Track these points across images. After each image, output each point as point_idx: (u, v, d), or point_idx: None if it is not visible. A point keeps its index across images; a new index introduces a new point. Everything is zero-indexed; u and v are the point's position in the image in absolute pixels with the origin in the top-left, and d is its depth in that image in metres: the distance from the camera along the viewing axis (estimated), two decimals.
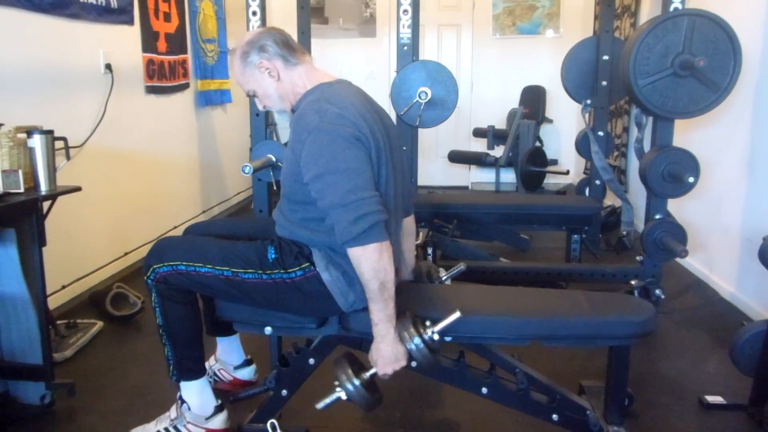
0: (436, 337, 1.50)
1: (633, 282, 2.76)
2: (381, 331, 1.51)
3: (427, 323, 1.52)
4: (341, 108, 1.54)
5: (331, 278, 1.60)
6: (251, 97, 1.75)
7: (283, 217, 1.70)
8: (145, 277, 1.70)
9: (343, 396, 1.53)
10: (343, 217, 1.48)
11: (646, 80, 2.46)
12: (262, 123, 2.81)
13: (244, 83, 1.71)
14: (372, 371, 1.55)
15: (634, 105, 2.84)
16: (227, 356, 2.12)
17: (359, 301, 1.62)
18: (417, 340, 1.49)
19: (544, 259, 3.69)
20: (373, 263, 1.48)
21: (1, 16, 2.41)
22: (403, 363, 1.53)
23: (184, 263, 1.65)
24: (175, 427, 1.79)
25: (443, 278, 1.95)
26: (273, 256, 1.63)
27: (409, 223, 1.90)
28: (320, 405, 1.55)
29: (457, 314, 1.48)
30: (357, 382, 1.53)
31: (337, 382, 1.55)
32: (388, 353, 1.51)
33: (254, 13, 2.69)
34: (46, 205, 2.05)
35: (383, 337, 1.51)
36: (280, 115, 1.78)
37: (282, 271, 1.63)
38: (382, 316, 1.51)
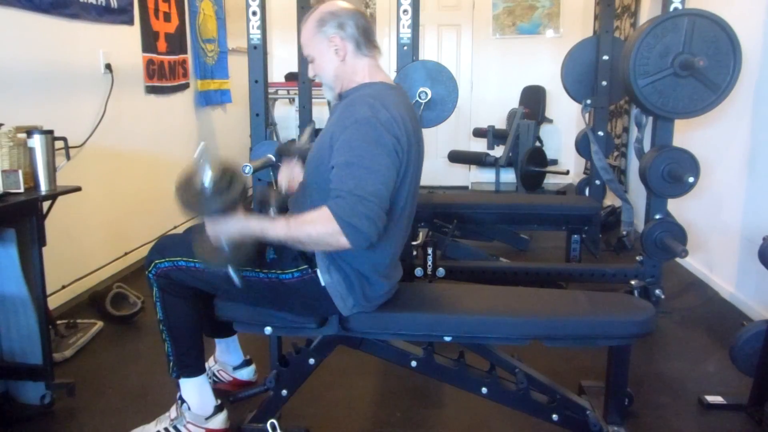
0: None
1: (633, 282, 2.76)
2: (254, 227, 1.50)
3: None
4: (393, 116, 1.53)
5: (331, 281, 1.59)
6: (308, 61, 1.71)
7: (297, 210, 1.69)
8: (147, 272, 1.72)
9: (207, 185, 1.58)
10: (356, 205, 1.43)
11: (646, 80, 2.46)
12: (262, 123, 2.80)
13: (306, 47, 1.67)
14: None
15: (634, 105, 2.84)
16: (226, 357, 2.12)
17: (358, 305, 1.62)
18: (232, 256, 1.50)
19: (544, 259, 3.69)
20: (323, 242, 1.46)
21: (1, 16, 2.41)
22: (213, 235, 1.51)
23: (184, 259, 1.67)
24: (174, 427, 1.79)
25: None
26: (271, 256, 1.64)
27: None
28: (196, 156, 1.58)
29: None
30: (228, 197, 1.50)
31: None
32: (230, 228, 1.49)
33: (254, 13, 2.68)
34: (46, 205, 2.05)
35: (244, 227, 1.49)
36: (326, 89, 1.74)
37: (279, 272, 1.63)
38: (269, 232, 1.50)
